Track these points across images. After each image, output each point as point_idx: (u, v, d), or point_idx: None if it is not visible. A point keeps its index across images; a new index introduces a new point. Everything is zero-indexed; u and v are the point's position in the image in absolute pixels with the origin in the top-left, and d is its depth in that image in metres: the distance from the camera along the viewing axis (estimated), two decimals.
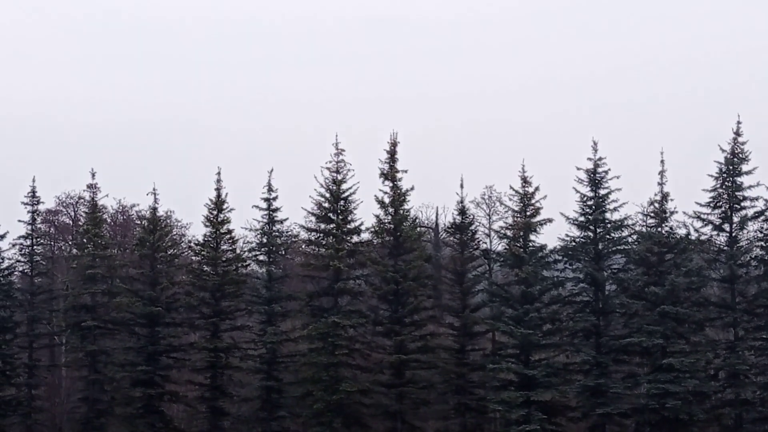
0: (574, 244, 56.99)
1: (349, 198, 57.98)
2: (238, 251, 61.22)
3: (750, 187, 55.88)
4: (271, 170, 59.50)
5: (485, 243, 61.20)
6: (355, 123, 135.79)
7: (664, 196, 55.98)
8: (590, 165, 56.98)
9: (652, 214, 56.35)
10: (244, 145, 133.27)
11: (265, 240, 59.61)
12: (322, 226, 58.46)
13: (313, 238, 59.84)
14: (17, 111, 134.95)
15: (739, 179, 55.95)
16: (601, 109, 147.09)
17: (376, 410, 57.49)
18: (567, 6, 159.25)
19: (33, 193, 62.57)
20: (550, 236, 62.95)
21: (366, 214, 74.15)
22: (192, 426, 60.14)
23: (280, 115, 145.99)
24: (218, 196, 59.65)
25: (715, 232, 56.59)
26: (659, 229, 55.91)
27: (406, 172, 57.81)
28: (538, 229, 56.74)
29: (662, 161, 55.86)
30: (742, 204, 56.02)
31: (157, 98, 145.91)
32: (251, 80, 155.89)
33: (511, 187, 57.12)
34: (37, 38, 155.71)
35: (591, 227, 57.01)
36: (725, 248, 56.29)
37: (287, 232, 62.83)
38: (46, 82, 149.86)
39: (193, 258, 63.74)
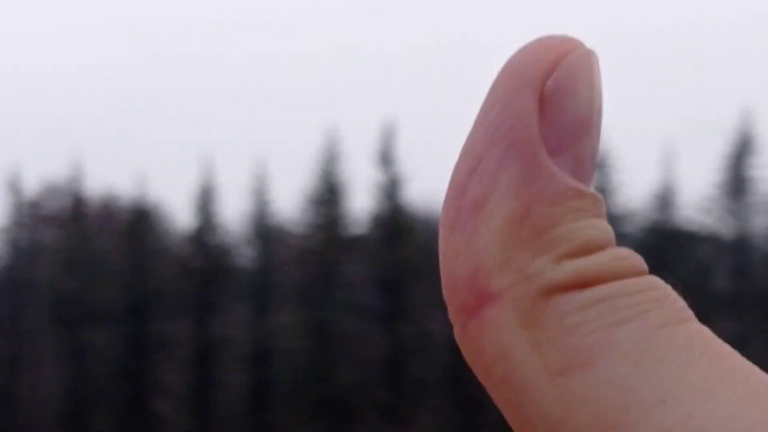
0: None
1: (344, 187, 57.21)
2: (228, 241, 60.43)
3: (756, 177, 55.01)
4: (265, 158, 58.45)
5: None
6: (352, 111, 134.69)
7: (668, 186, 55.07)
8: None
9: (655, 204, 55.54)
10: (236, 133, 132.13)
11: (256, 230, 58.78)
12: (316, 216, 57.76)
13: (306, 228, 59.07)
14: (3, 99, 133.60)
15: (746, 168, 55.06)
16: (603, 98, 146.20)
17: (370, 404, 56.58)
18: None
19: (16, 182, 61.62)
20: None
21: (361, 203, 72.97)
22: (179, 420, 59.12)
23: (274, 103, 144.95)
24: (208, 185, 58.79)
25: (720, 223, 55.80)
26: (663, 219, 55.02)
27: (403, 161, 57.04)
28: None
29: (666, 150, 55.11)
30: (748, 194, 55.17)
31: (147, 86, 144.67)
32: (245, 66, 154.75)
33: None
34: (31, 26, 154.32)
35: None
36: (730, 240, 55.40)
37: (279, 222, 61.98)
38: (36, 69, 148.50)
39: (182, 248, 62.84)
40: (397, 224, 56.62)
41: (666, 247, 54.72)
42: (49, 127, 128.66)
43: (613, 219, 55.74)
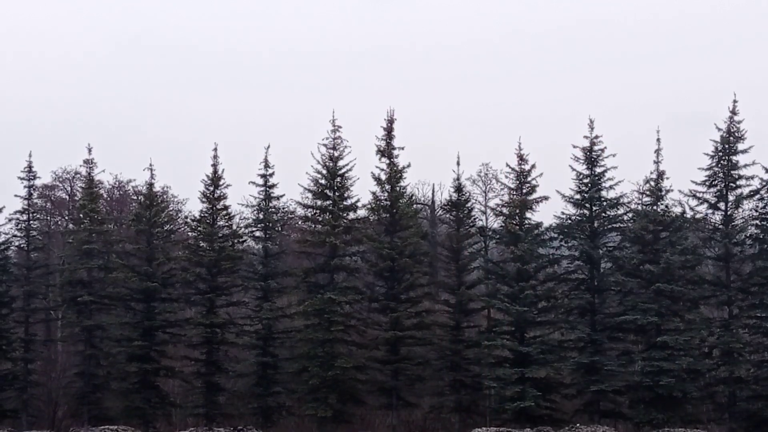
0: (569, 221, 57.09)
1: (346, 175, 58.04)
2: (234, 227, 61.28)
3: (746, 165, 56.00)
4: (268, 146, 59.56)
5: (481, 220, 61.46)
6: (352, 99, 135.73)
7: (660, 174, 56.08)
8: (586, 143, 57.11)
9: (647, 192, 56.52)
10: (241, 121, 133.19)
11: (261, 216, 59.65)
12: (319, 202, 58.51)
13: (309, 214, 59.90)
14: (12, 86, 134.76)
15: (734, 158, 56.02)
16: (598, 86, 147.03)
17: (372, 386, 57.73)
18: None
19: (29, 168, 62.40)
20: (546, 214, 62.94)
21: (362, 190, 74.21)
22: (188, 401, 60.34)
23: (277, 91, 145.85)
24: (215, 172, 59.63)
25: (710, 211, 56.76)
26: (655, 207, 56.04)
27: (402, 149, 57.94)
28: (534, 207, 56.85)
29: (658, 139, 56.01)
30: (738, 182, 56.11)
31: (153, 74, 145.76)
32: (246, 56, 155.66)
33: (507, 165, 57.28)
34: (31, 14, 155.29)
35: (587, 205, 57.14)
36: (720, 227, 56.43)
37: (283, 208, 62.95)
38: (41, 57, 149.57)
39: (190, 234, 63.80)
40: (397, 212, 57.70)
41: (657, 233, 56.07)
42: (62, 117, 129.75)
43: (608, 206, 57.02)
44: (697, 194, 56.41)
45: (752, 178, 55.95)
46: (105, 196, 75.40)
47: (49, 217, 75.87)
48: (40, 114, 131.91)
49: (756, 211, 56.31)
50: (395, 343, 57.08)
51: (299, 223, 65.77)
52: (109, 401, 59.58)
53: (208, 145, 59.94)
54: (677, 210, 56.23)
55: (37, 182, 64.64)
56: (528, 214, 56.86)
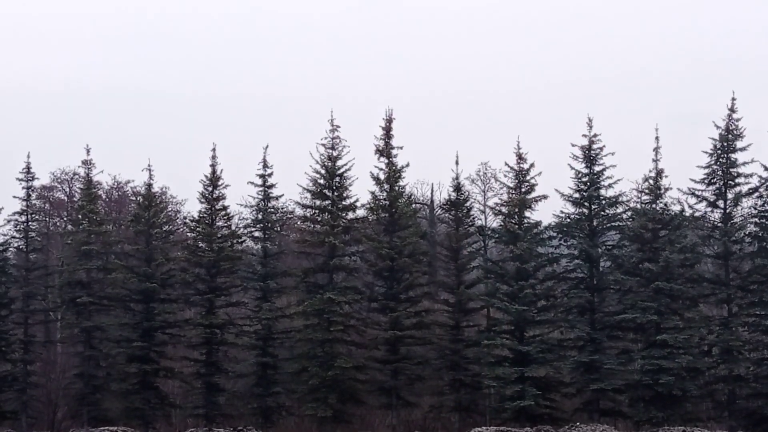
0: (568, 220, 57.10)
1: (345, 174, 58.03)
2: (233, 227, 61.25)
3: (744, 163, 56.05)
4: (266, 146, 59.52)
5: (480, 219, 61.38)
6: (351, 98, 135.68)
7: (659, 173, 56.08)
8: (585, 142, 57.10)
9: (646, 191, 56.47)
10: (239, 121, 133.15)
11: (260, 216, 59.62)
12: (318, 202, 58.48)
13: (308, 214, 59.89)
14: (9, 85, 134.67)
15: (733, 156, 56.09)
16: (597, 85, 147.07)
17: (371, 386, 57.70)
18: None
19: (28, 169, 62.24)
20: (545, 213, 62.84)
21: (361, 190, 74.13)
22: (187, 402, 60.30)
23: (276, 91, 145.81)
24: (213, 172, 59.58)
25: (709, 209, 56.82)
26: (654, 205, 56.04)
27: (401, 148, 57.93)
28: (533, 206, 56.84)
29: (657, 137, 56.03)
30: (737, 180, 56.19)
31: (152, 73, 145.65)
32: (246, 55, 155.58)
33: (506, 164, 57.26)
34: (29, 14, 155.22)
35: (586, 204, 57.13)
36: (719, 225, 56.47)
37: (282, 208, 62.92)
38: (38, 57, 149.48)
39: (189, 234, 63.69)
40: (396, 211, 57.63)
41: (656, 232, 56.04)
42: (61, 118, 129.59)
43: (607, 205, 57.01)
44: (696, 192, 56.48)
45: (751, 176, 56.04)
46: (104, 196, 75.33)
47: (47, 219, 75.76)
48: (39, 114, 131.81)
49: (755, 208, 56.37)
50: (395, 342, 57.07)
51: (298, 223, 65.67)
52: (108, 402, 59.48)
53: (207, 145, 59.89)
54: (676, 208, 56.30)
55: (36, 183, 64.44)
56: (527, 213, 56.86)
